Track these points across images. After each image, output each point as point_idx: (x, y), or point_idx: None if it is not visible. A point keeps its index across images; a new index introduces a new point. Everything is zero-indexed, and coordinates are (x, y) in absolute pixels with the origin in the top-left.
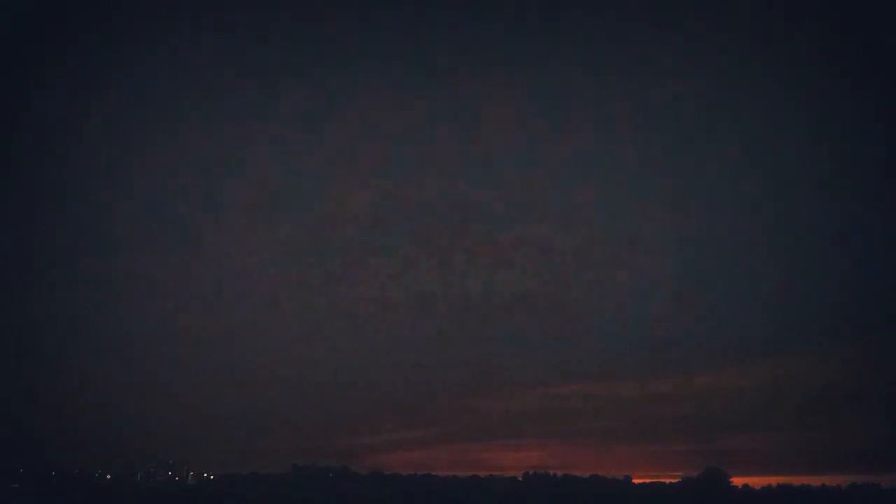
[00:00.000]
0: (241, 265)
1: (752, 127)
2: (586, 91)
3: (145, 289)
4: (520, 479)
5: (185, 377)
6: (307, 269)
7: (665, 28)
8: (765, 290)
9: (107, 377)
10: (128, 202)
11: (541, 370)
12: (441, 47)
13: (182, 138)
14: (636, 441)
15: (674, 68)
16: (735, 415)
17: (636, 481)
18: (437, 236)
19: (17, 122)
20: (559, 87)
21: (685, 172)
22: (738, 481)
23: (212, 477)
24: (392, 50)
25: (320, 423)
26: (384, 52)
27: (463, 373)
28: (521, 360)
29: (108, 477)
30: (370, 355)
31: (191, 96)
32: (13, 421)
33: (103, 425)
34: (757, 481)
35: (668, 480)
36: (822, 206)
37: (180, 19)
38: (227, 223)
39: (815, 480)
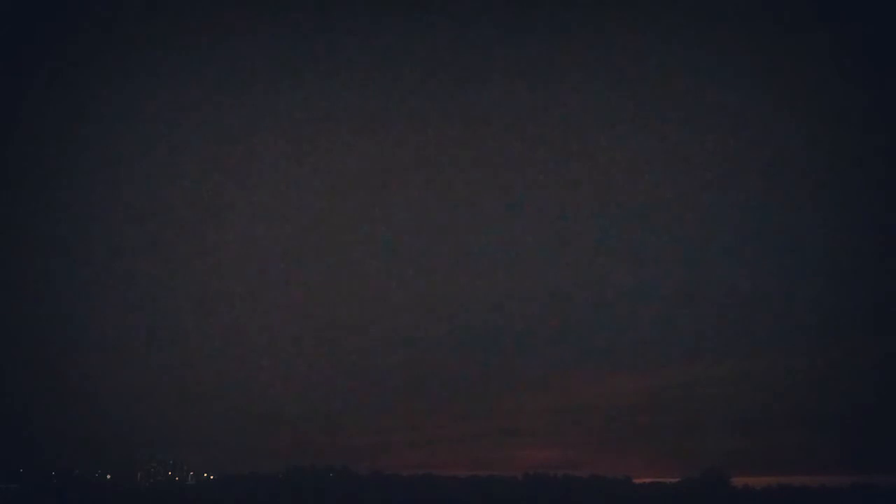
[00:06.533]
0: (241, 266)
1: (750, 128)
2: (585, 89)
3: (146, 289)
4: (520, 479)
5: (185, 377)
6: (307, 269)
7: (664, 28)
8: (766, 290)
9: (107, 377)
10: (129, 203)
11: (541, 370)
12: (440, 46)
13: (182, 139)
14: (636, 441)
15: (673, 69)
16: (735, 415)
17: (636, 481)
18: (437, 235)
19: (17, 123)
20: (559, 86)
21: (684, 172)
22: (738, 481)
23: (212, 477)
24: (391, 49)
25: (320, 423)
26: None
27: (463, 373)
28: (521, 360)
29: (108, 477)
30: (370, 355)
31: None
32: (13, 421)
33: (103, 425)
34: (757, 481)
35: (668, 480)
36: (823, 205)
37: (182, 19)
38: (229, 223)
39: (815, 480)
